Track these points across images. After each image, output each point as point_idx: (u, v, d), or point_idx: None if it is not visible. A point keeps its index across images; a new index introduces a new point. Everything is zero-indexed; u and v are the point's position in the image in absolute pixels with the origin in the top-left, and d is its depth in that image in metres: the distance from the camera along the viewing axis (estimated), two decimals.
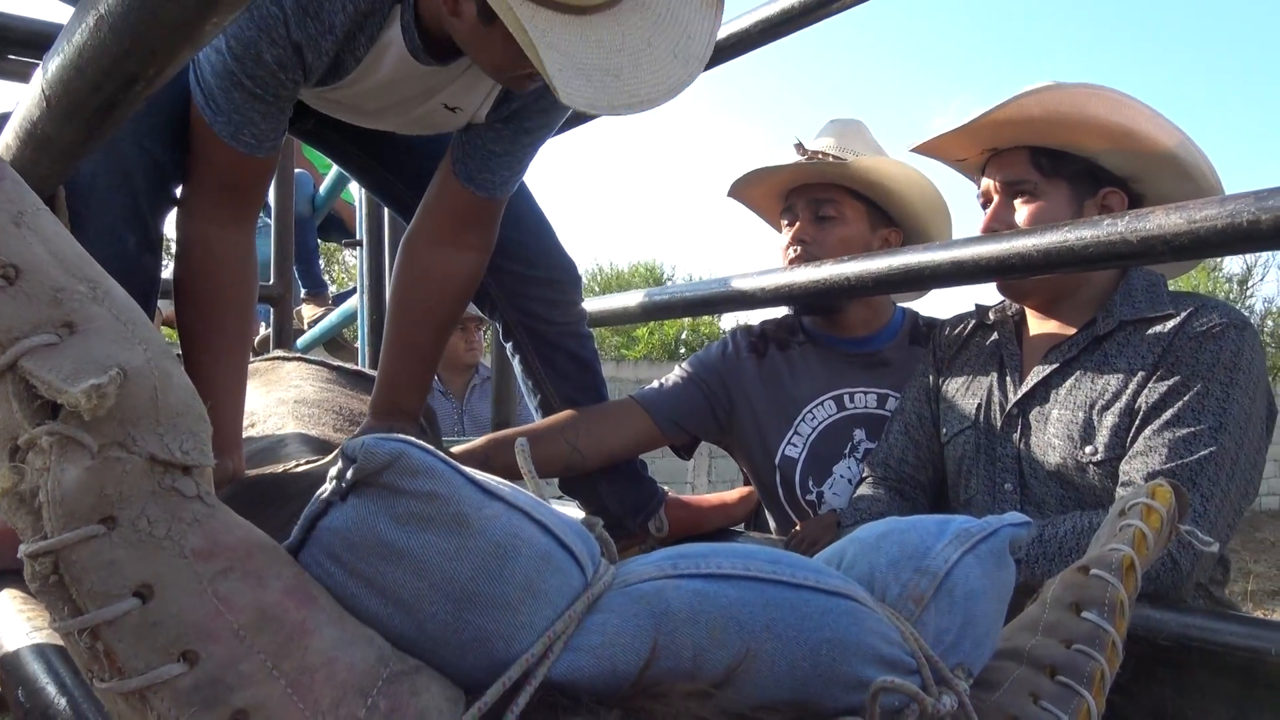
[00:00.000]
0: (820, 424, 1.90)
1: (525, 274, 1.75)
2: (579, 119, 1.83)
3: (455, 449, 1.80)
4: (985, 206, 1.59)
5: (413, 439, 0.53)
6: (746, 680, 0.58)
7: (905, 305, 2.04)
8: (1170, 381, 1.35)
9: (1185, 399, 1.33)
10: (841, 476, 1.87)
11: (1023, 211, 1.52)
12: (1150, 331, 1.43)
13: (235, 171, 1.38)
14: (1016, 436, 1.51)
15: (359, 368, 2.48)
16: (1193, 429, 1.32)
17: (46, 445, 0.46)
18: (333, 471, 0.53)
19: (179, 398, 0.49)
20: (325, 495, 0.54)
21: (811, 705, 0.59)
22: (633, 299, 2.13)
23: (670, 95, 1.16)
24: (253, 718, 0.48)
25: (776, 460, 1.91)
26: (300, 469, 1.44)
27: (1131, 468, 1.35)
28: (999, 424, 1.55)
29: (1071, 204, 1.50)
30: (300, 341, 3.80)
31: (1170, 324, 1.41)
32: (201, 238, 1.41)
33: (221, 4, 0.55)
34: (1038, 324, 1.60)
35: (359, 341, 3.20)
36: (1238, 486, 1.31)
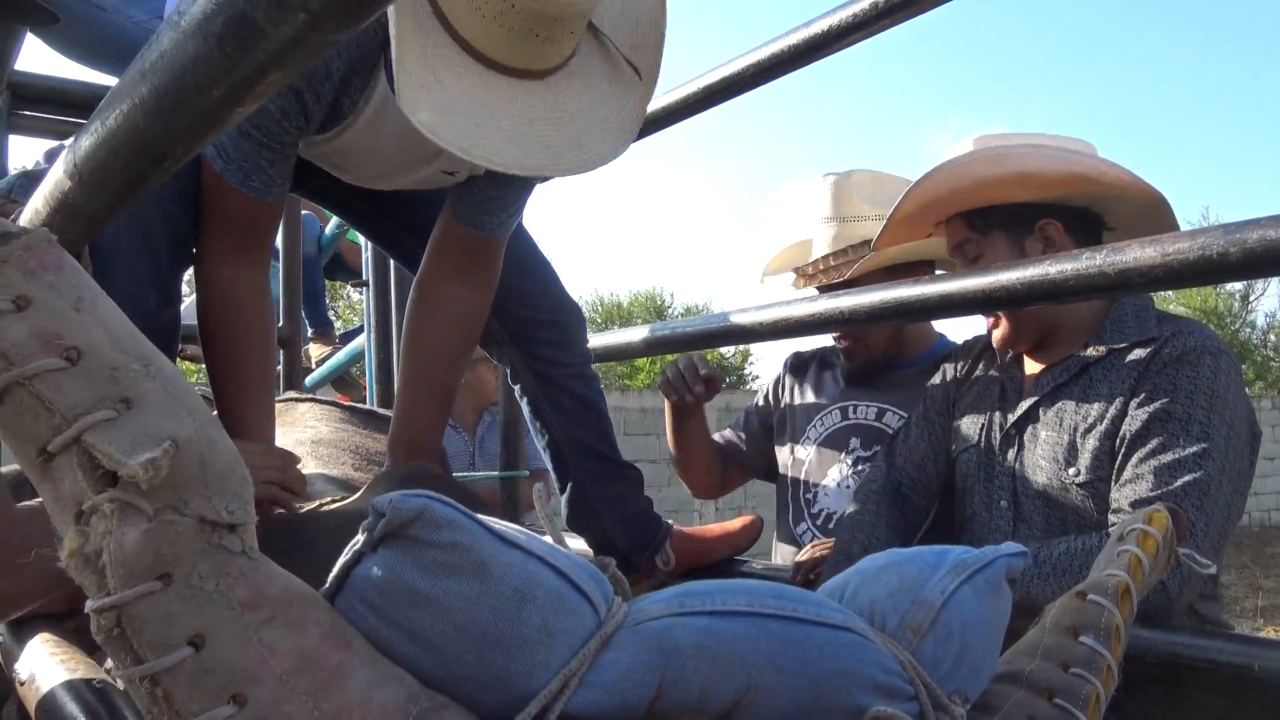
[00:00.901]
0: (827, 430, 2.11)
1: (530, 318, 1.82)
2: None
3: None
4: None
5: (437, 494, 0.59)
6: (751, 711, 0.63)
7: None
8: (1151, 408, 1.43)
9: (1169, 426, 1.41)
10: (832, 479, 2.05)
11: (977, 265, 1.65)
12: (1130, 358, 1.51)
13: (247, 216, 1.45)
14: (1011, 456, 1.61)
15: (370, 407, 2.54)
16: (1177, 456, 1.38)
17: (108, 511, 0.51)
18: (364, 524, 0.59)
19: (224, 462, 0.55)
20: (358, 546, 0.59)
21: None
22: (636, 334, 2.25)
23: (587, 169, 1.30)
24: None
25: (790, 461, 2.15)
26: (328, 508, 1.50)
27: (1120, 495, 1.42)
28: (997, 444, 1.65)
29: (1012, 248, 1.63)
30: (308, 380, 3.88)
31: (1149, 349, 1.49)
32: (220, 283, 1.48)
33: (247, 97, 0.62)
34: (1028, 370, 1.70)
35: (367, 379, 3.27)
36: (1222, 509, 1.37)
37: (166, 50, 0.62)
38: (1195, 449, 1.38)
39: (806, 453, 2.12)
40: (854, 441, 2.06)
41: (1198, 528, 1.35)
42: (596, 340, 2.27)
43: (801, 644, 0.67)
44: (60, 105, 2.41)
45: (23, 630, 1.28)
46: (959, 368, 1.84)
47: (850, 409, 2.10)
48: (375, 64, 1.41)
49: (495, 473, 2.59)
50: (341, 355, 3.84)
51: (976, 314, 1.60)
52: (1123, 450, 1.44)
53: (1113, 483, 1.45)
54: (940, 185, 1.61)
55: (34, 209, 1.07)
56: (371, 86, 1.43)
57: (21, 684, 1.11)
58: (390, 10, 1.19)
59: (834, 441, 2.09)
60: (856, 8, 1.57)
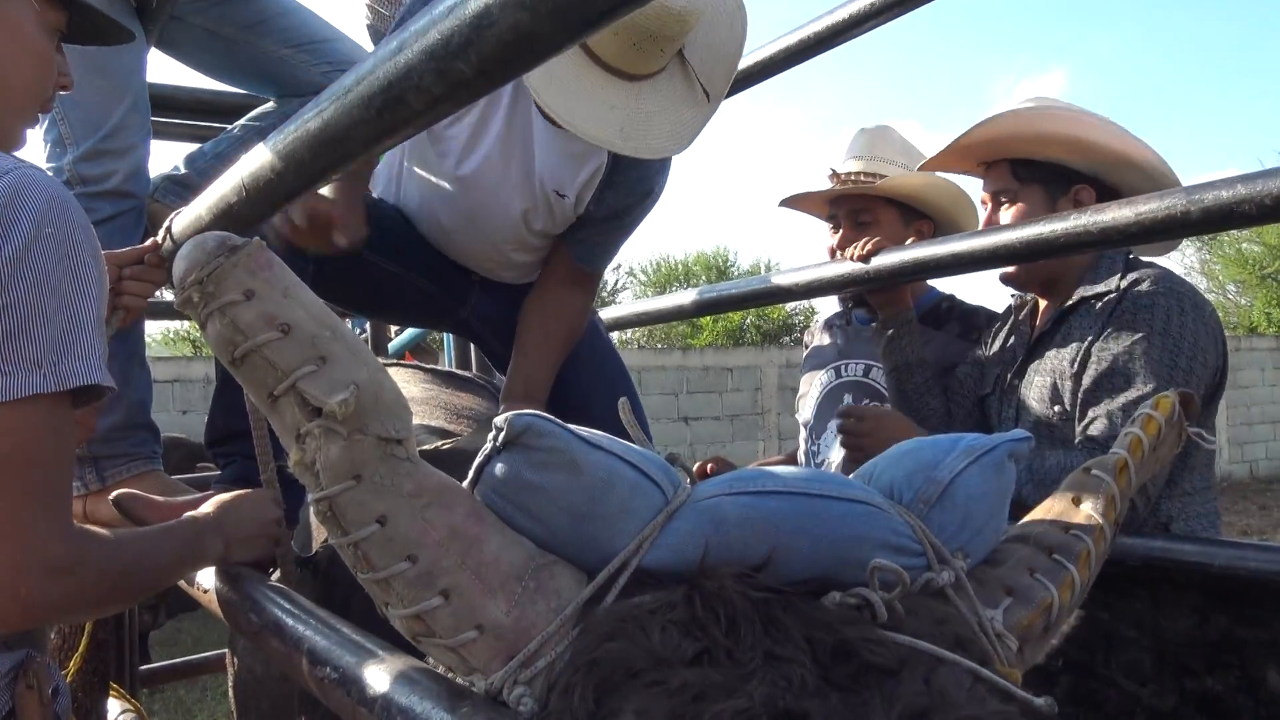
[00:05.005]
0: (824, 389, 2.46)
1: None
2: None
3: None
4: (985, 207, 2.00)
5: (539, 413, 0.83)
6: (781, 566, 0.87)
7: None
8: (1111, 350, 1.71)
9: (1128, 367, 1.68)
10: (833, 433, 2.34)
11: (1007, 214, 1.92)
12: (1099, 304, 1.78)
13: None
14: (1015, 399, 1.91)
15: (450, 369, 2.91)
16: (1130, 398, 1.65)
17: (317, 433, 0.78)
18: (489, 436, 0.84)
19: (391, 397, 0.81)
20: (486, 451, 0.85)
21: (832, 581, 0.88)
22: (686, 297, 2.67)
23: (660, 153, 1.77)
24: (452, 594, 0.80)
25: (801, 420, 2.53)
26: (446, 448, 1.85)
27: (1080, 432, 1.72)
28: (1005, 388, 1.96)
29: (1046, 203, 1.87)
30: (391, 346, 4.27)
31: (1115, 294, 1.76)
32: None
33: (397, 135, 0.87)
34: (1042, 306, 1.99)
35: (444, 346, 3.61)
36: None
37: (332, 111, 0.89)
38: (1148, 389, 1.63)
39: (810, 410, 2.48)
40: (846, 397, 2.39)
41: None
42: (651, 304, 2.77)
43: (823, 514, 0.90)
44: (196, 113, 2.82)
45: None
46: (990, 331, 2.15)
47: (842, 368, 2.45)
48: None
49: None
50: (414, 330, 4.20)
51: (983, 270, 1.82)
52: (1086, 389, 1.73)
53: (1076, 422, 1.74)
54: (1003, 127, 1.86)
55: (197, 215, 1.35)
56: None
57: (205, 592, 1.42)
58: None
59: (830, 399, 2.43)
60: None
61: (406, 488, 0.81)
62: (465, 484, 0.87)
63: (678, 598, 0.81)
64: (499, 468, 0.85)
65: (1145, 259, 1.90)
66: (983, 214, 2.00)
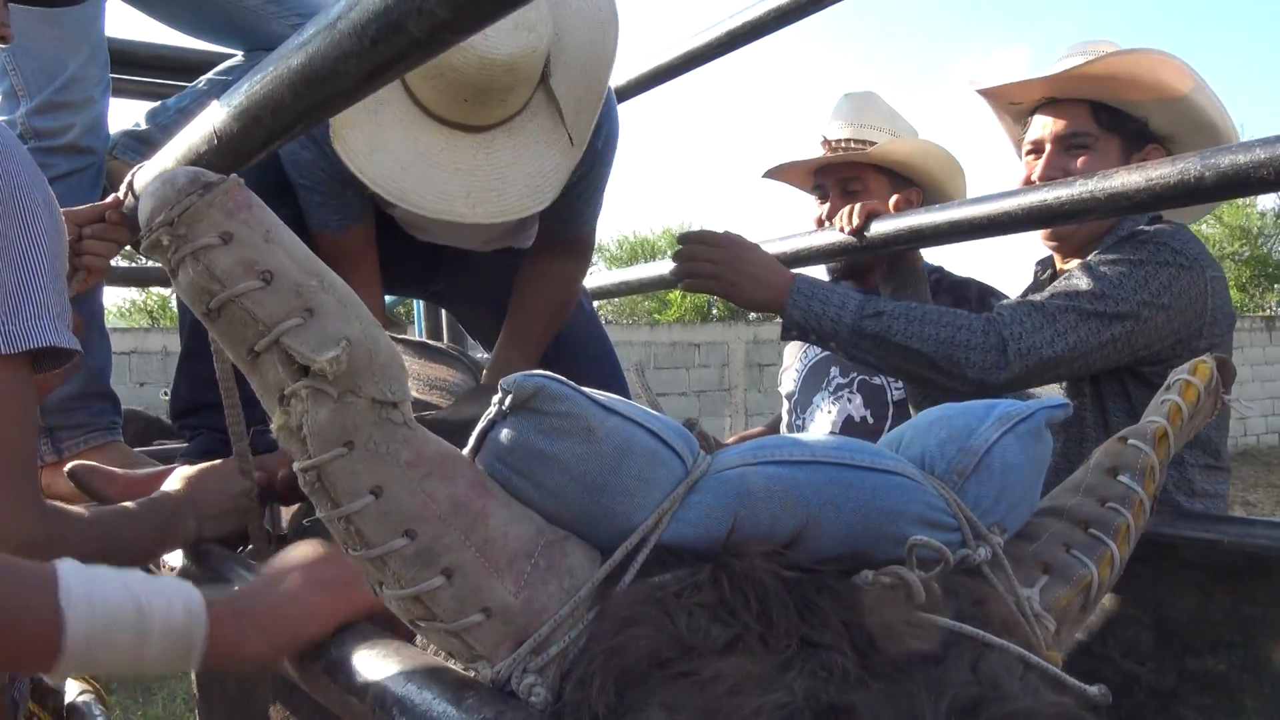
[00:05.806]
0: (810, 362, 2.39)
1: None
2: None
3: None
4: (1031, 153, 1.84)
5: (551, 374, 0.75)
6: (811, 541, 0.79)
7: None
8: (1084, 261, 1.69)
9: (1084, 268, 1.66)
10: (818, 407, 2.31)
11: (1079, 161, 1.77)
12: None
13: (330, 248, 1.71)
14: None
15: (422, 339, 2.81)
16: (1080, 284, 1.63)
17: (304, 394, 0.70)
18: (495, 399, 0.76)
19: (386, 355, 0.73)
20: (491, 416, 0.77)
21: (865, 558, 0.81)
22: (667, 267, 2.55)
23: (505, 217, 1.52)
24: (455, 574, 0.72)
25: (784, 393, 2.47)
26: (430, 417, 1.77)
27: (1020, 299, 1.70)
28: None
29: (1122, 158, 1.75)
30: None
31: (1120, 240, 1.71)
32: None
33: (384, 77, 0.78)
34: (1059, 266, 1.92)
35: (415, 317, 3.53)
36: (1078, 343, 1.59)
37: (319, 44, 0.79)
38: (1094, 289, 1.60)
39: (795, 384, 2.42)
40: (834, 370, 2.32)
41: (1062, 339, 1.59)
42: (632, 273, 2.63)
43: (856, 486, 0.82)
44: (157, 70, 2.69)
45: None
46: (1022, 294, 2.07)
47: None
48: None
49: None
50: (389, 297, 4.15)
51: (980, 238, 1.75)
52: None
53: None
54: (1127, 66, 1.70)
55: (164, 167, 1.25)
56: None
57: (172, 571, 1.33)
58: None
59: (815, 373, 2.37)
60: None
61: (403, 456, 0.72)
62: (466, 452, 0.79)
63: (704, 578, 0.73)
64: (505, 434, 0.77)
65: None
66: (1028, 160, 1.86)
